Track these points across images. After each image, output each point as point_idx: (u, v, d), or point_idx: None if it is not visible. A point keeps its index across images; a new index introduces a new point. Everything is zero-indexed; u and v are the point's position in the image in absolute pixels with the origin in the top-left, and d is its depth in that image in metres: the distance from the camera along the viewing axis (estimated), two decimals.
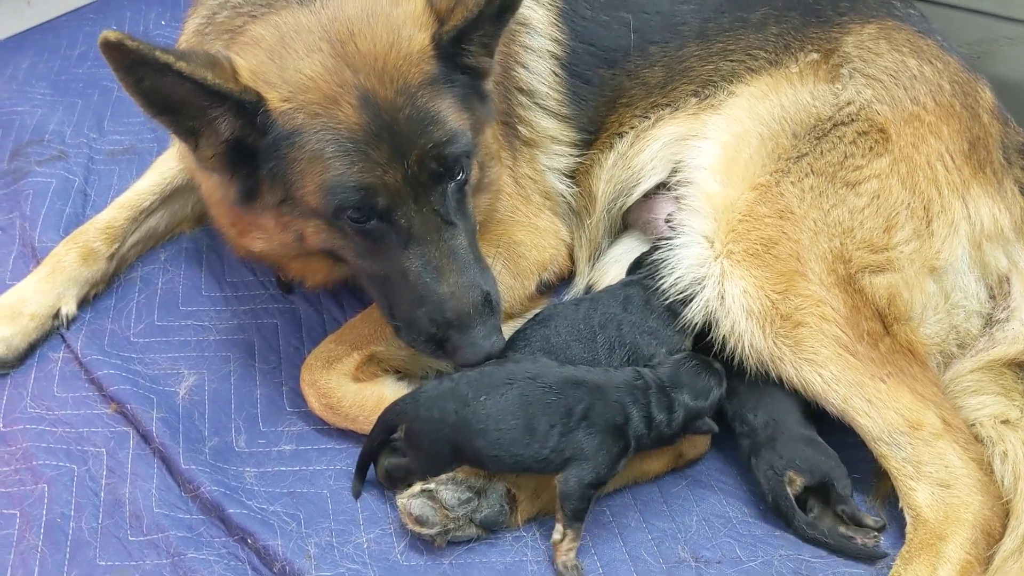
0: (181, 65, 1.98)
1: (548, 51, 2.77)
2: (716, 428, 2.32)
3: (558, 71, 2.77)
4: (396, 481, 2.29)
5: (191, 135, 2.17)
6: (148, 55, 1.96)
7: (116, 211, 2.94)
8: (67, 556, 2.22)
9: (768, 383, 2.36)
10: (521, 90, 2.76)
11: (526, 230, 2.73)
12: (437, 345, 2.27)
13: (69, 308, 2.78)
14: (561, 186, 2.85)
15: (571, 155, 2.84)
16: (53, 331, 2.77)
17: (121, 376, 2.60)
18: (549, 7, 2.78)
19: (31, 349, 2.71)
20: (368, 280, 2.36)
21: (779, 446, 2.28)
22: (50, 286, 2.76)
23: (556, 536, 2.16)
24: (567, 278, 2.90)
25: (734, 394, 2.39)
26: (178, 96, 2.06)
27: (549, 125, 2.79)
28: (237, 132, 2.15)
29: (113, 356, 2.68)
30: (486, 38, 2.27)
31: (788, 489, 2.23)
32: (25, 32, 4.28)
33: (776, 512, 2.27)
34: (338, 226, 2.23)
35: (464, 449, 2.17)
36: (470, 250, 2.26)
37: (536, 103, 2.77)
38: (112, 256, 2.88)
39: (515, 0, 2.20)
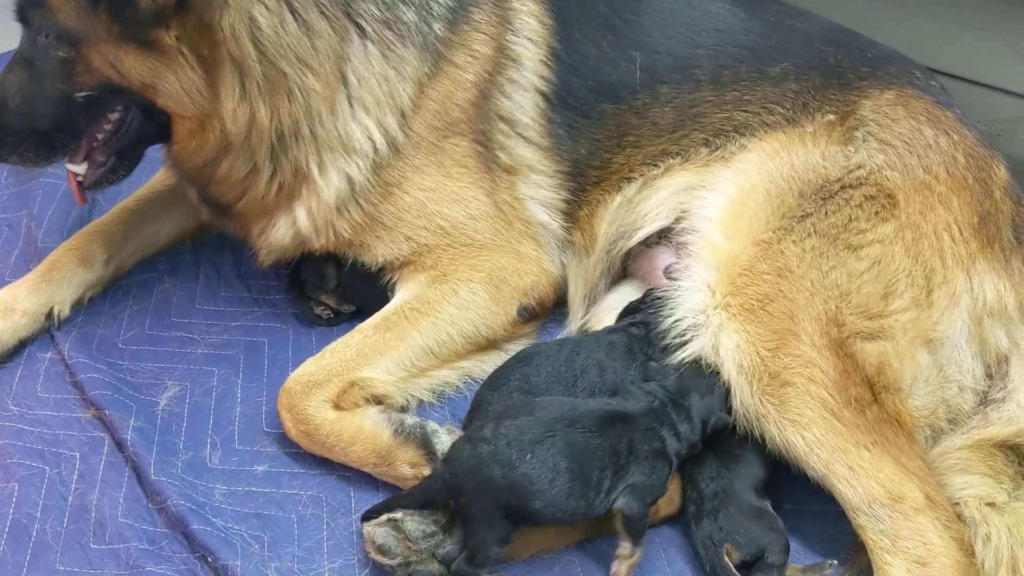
0: None
1: (534, 86, 2.77)
2: (731, 420, 2.29)
3: (541, 104, 2.78)
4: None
5: None
6: None
7: (114, 216, 2.96)
8: (27, 558, 2.19)
9: (734, 453, 2.32)
10: (502, 117, 2.76)
11: (508, 256, 2.72)
12: None
13: (62, 309, 2.78)
14: (544, 217, 2.82)
15: (556, 187, 2.82)
16: (44, 331, 2.76)
17: (104, 381, 2.58)
18: (541, 45, 2.79)
19: (20, 346, 2.72)
20: None
21: (722, 519, 2.22)
22: (45, 285, 2.77)
23: (624, 552, 2.13)
24: (559, 318, 2.88)
25: (697, 460, 2.34)
26: None
27: (528, 154, 2.78)
28: None
29: (100, 361, 2.66)
30: None
31: (727, 560, 2.16)
32: None
33: None
34: None
35: (519, 512, 2.08)
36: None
37: (517, 132, 2.77)
38: (108, 260, 2.89)
39: None
